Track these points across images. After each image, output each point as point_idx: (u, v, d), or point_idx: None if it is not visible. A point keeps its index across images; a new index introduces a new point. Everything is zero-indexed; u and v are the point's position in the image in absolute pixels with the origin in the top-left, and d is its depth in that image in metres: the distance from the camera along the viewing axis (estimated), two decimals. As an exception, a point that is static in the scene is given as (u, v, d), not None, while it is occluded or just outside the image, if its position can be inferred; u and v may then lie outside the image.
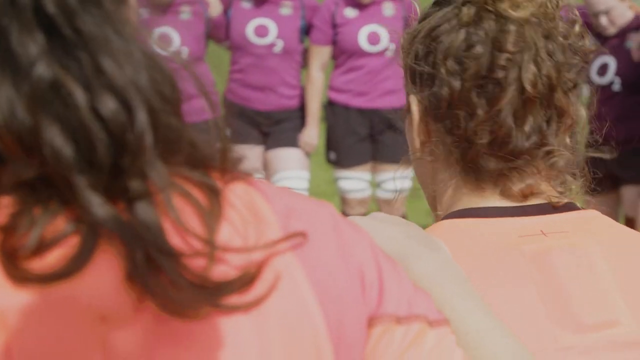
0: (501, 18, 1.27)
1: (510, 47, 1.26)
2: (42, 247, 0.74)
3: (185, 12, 5.82)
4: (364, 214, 6.08)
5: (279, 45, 5.88)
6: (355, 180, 5.98)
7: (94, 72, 0.76)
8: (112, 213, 0.75)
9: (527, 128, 1.28)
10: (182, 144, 0.80)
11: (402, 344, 0.88)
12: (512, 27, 1.26)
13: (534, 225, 1.29)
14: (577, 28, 1.32)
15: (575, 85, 1.31)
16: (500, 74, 1.26)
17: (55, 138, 0.74)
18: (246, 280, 0.79)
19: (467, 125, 1.28)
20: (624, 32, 5.54)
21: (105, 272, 0.77)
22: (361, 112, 5.89)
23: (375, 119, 5.90)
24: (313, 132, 5.97)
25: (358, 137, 5.94)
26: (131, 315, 0.77)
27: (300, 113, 5.98)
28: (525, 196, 1.30)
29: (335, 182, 6.16)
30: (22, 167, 0.75)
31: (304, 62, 5.98)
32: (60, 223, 0.75)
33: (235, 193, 0.84)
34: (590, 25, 5.27)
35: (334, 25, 5.90)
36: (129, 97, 0.76)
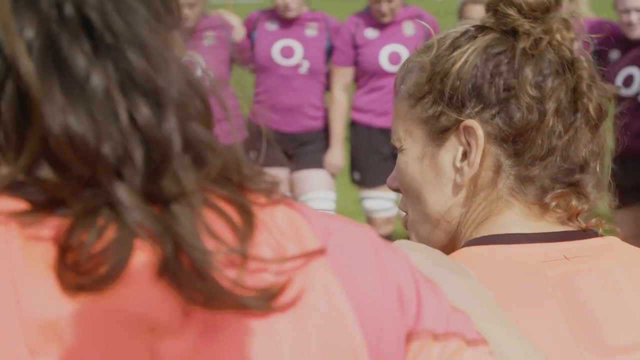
0: (561, 46, 1.31)
1: (584, 74, 1.31)
2: (95, 258, 0.76)
3: (209, 37, 5.84)
4: (391, 233, 6.00)
5: (305, 66, 5.88)
6: (380, 200, 5.95)
7: (129, 76, 0.78)
8: (146, 211, 0.77)
9: (585, 152, 1.33)
10: (214, 158, 0.81)
11: None
12: (581, 57, 1.31)
13: (557, 251, 1.30)
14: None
15: (607, 112, 1.36)
16: (584, 99, 1.31)
17: (103, 145, 0.76)
18: (276, 289, 0.81)
19: (542, 149, 1.31)
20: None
21: (154, 281, 0.78)
22: (384, 131, 5.86)
23: (398, 138, 5.87)
24: (338, 154, 5.97)
25: (381, 156, 5.93)
26: (180, 323, 0.78)
27: (324, 134, 5.98)
28: (572, 218, 1.33)
29: (360, 202, 6.17)
30: (78, 176, 0.77)
31: (328, 84, 6.00)
32: (110, 232, 0.77)
33: (276, 214, 0.86)
34: (613, 35, 5.24)
35: (355, 46, 5.90)
36: (160, 101, 0.78)
